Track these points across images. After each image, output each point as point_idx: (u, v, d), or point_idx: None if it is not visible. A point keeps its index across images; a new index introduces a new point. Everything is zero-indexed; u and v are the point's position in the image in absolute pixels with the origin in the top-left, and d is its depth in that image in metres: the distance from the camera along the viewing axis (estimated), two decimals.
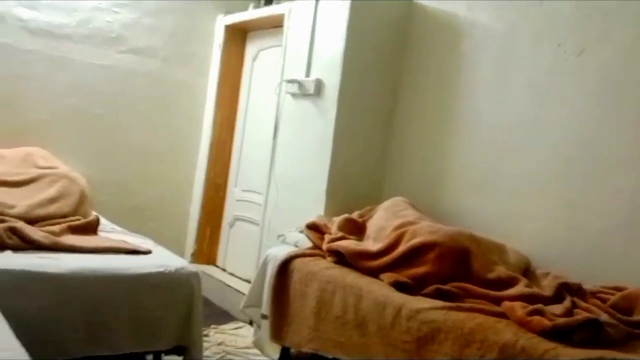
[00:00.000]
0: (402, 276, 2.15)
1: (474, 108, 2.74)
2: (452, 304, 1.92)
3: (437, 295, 2.01)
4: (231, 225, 4.00)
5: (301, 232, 2.75)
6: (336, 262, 2.42)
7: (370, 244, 2.45)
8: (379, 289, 2.13)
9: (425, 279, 2.11)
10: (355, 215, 2.76)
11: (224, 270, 3.96)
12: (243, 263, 3.72)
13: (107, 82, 3.60)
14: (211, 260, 4.05)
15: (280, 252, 2.61)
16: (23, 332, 1.47)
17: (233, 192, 4.01)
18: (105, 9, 3.54)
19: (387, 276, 2.18)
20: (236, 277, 3.78)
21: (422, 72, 3.01)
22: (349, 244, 2.42)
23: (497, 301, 1.97)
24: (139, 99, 3.74)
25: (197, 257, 3.99)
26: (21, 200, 2.53)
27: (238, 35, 3.98)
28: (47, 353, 1.94)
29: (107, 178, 3.53)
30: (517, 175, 2.53)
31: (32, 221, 2.42)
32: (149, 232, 2.89)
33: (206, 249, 4.05)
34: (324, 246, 2.49)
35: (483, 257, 2.20)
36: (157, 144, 3.85)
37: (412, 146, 3.02)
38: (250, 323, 3.22)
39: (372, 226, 2.62)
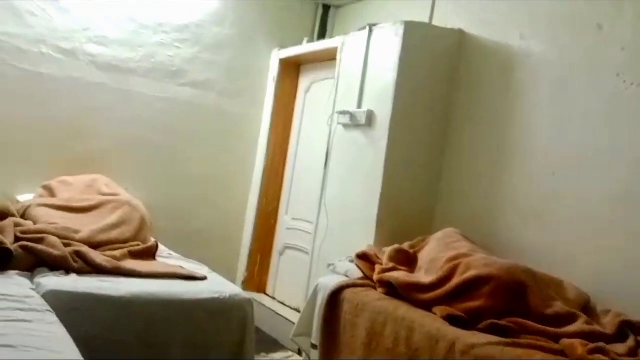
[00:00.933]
0: (456, 310, 2.11)
1: (529, 138, 2.70)
2: (508, 340, 1.87)
3: (492, 330, 1.96)
4: (281, 253, 4.04)
5: (351, 261, 2.75)
6: (387, 294, 2.40)
7: (422, 276, 2.42)
8: (431, 323, 2.10)
9: (480, 314, 2.06)
10: (406, 245, 2.74)
11: (273, 298, 3.99)
12: (292, 291, 3.74)
13: (167, 114, 3.78)
14: (261, 288, 4.09)
15: (330, 281, 2.61)
16: (85, 351, 1.54)
17: (284, 220, 4.07)
18: (168, 44, 3.74)
19: (440, 309, 2.15)
20: (286, 305, 3.80)
21: (474, 102, 3.00)
22: (401, 275, 2.40)
23: (556, 338, 1.90)
24: (197, 130, 3.89)
25: (247, 285, 4.05)
26: (85, 226, 2.66)
27: (292, 69, 4.10)
28: None
29: (165, 205, 3.66)
30: (575, 207, 2.45)
31: (95, 246, 2.54)
32: (203, 258, 2.97)
33: (257, 276, 4.10)
34: (375, 277, 2.48)
35: (540, 292, 2.14)
36: (213, 173, 3.98)
37: (465, 177, 2.99)
38: (299, 352, 3.22)
39: (423, 257, 2.59)
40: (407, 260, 2.62)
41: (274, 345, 3.41)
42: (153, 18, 3.67)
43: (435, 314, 2.16)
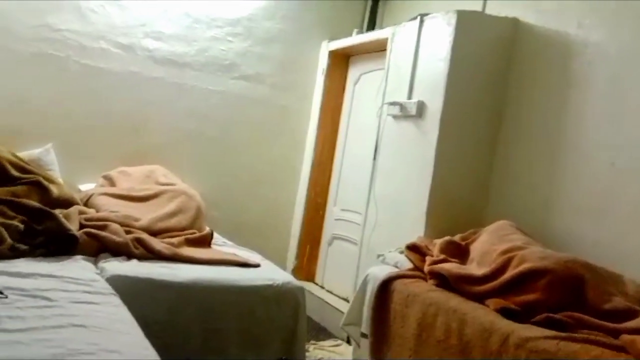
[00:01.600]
0: (510, 302, 2.08)
1: (587, 129, 2.62)
2: (564, 334, 1.83)
3: (547, 324, 1.93)
4: (330, 244, 4.08)
5: (401, 252, 2.76)
6: (437, 285, 2.39)
7: (475, 268, 2.40)
8: (484, 315, 2.08)
9: (535, 307, 2.02)
10: (457, 238, 2.71)
11: (322, 287, 4.04)
12: (341, 281, 3.78)
13: (220, 107, 3.87)
14: (310, 277, 4.15)
15: (380, 272, 2.62)
16: (146, 334, 1.60)
17: (332, 211, 4.10)
18: (221, 39, 3.82)
19: (493, 302, 2.12)
20: (334, 294, 3.84)
21: (529, 92, 2.93)
22: (452, 267, 2.39)
23: (615, 334, 1.85)
24: (248, 122, 3.98)
25: (297, 274, 4.11)
26: (145, 214, 2.78)
27: (341, 60, 4.11)
28: (165, 356, 2.09)
29: (217, 195, 3.76)
30: (635, 201, 2.36)
31: (154, 233, 2.65)
32: (253, 248, 3.04)
33: (306, 265, 4.16)
34: (426, 268, 2.48)
35: (598, 287, 2.08)
36: (263, 164, 4.05)
37: (518, 169, 2.93)
38: (348, 341, 3.26)
39: (475, 250, 2.56)
40: (459, 252, 2.60)
41: (323, 333, 3.46)
42: (207, 13, 3.76)
43: (488, 306, 2.13)
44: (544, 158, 2.79)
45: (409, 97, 3.11)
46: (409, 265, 2.62)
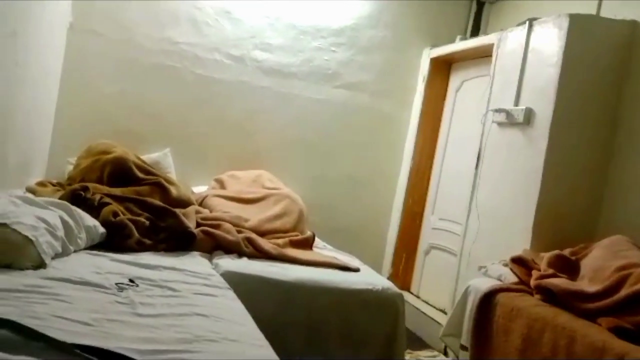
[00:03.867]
0: (624, 322, 1.97)
1: None
2: None
3: None
4: (426, 253, 4.05)
5: (505, 265, 2.69)
6: (544, 300, 2.31)
7: (586, 284, 2.29)
8: (596, 334, 1.98)
9: None
10: (566, 252, 2.60)
11: (417, 297, 4.02)
12: (438, 292, 3.73)
13: (321, 115, 4.00)
14: (405, 286, 4.14)
15: (482, 284, 2.58)
16: None
17: (430, 220, 4.06)
18: (325, 49, 3.95)
19: (607, 321, 2.02)
20: (430, 305, 3.80)
21: None
22: (561, 282, 2.30)
23: None
24: (348, 129, 4.07)
25: (392, 282, 4.08)
26: (253, 215, 2.94)
27: (442, 67, 4.08)
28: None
29: (316, 200, 3.86)
30: None
31: (261, 234, 2.80)
32: (349, 253, 3.10)
33: (401, 274, 4.15)
34: (533, 282, 2.40)
35: None
36: (362, 171, 4.12)
37: (636, 180, 2.74)
38: (445, 352, 3.22)
39: (587, 265, 2.44)
40: (568, 267, 2.49)
41: (418, 343, 3.43)
42: (312, 24, 3.91)
43: (599, 324, 2.04)
44: None
45: (516, 104, 3.02)
46: (514, 278, 2.55)
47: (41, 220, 1.96)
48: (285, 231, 2.90)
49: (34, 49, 2.77)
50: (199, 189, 3.53)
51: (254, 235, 2.64)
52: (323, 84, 3.97)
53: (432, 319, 3.52)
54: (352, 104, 4.04)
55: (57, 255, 1.97)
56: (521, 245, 2.78)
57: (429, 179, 4.13)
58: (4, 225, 1.81)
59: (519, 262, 2.58)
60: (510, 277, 2.57)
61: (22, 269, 1.77)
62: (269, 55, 3.84)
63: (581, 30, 2.77)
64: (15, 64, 2.54)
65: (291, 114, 3.93)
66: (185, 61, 3.70)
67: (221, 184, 3.45)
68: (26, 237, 1.82)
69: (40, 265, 1.83)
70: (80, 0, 3.39)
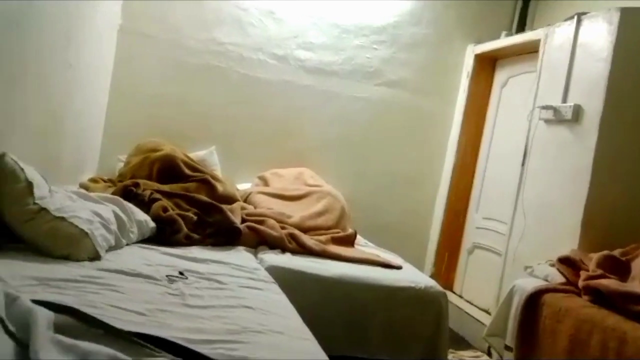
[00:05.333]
0: None
1: None
2: None
3: None
4: (470, 252, 3.99)
5: (552, 265, 2.63)
6: (592, 301, 2.25)
7: (637, 286, 2.22)
8: None
9: None
10: (616, 252, 2.52)
11: (460, 296, 3.97)
12: (481, 292, 3.68)
13: (363, 113, 4.00)
14: (448, 286, 4.09)
15: (528, 284, 2.53)
16: None
17: (473, 218, 4.01)
18: (367, 47, 3.96)
19: None
20: (474, 305, 3.75)
21: None
22: (611, 283, 2.23)
23: None
24: (390, 127, 4.05)
25: (435, 281, 4.08)
26: (296, 212, 2.99)
27: (487, 64, 4.02)
28: None
29: (358, 198, 3.87)
30: None
31: (303, 230, 2.84)
32: (391, 251, 3.09)
33: (444, 273, 4.11)
34: (581, 283, 2.34)
35: None
36: (404, 168, 4.10)
37: None
38: (489, 353, 3.17)
39: (638, 266, 2.36)
40: (618, 268, 2.42)
41: (461, 343, 3.40)
42: (355, 22, 3.92)
43: None
44: None
45: (564, 101, 2.95)
46: (561, 279, 2.50)
47: (96, 214, 2.05)
48: (328, 228, 2.93)
49: (86, 51, 2.89)
50: (243, 186, 3.59)
51: (297, 232, 2.68)
52: (365, 82, 3.97)
53: (476, 319, 3.47)
54: (393, 101, 4.03)
55: (110, 248, 2.05)
56: (569, 245, 2.72)
57: (472, 176, 4.07)
58: (62, 218, 1.91)
59: (566, 262, 2.52)
60: (557, 278, 2.52)
61: (78, 260, 1.86)
62: (312, 55, 3.88)
63: (633, 24, 2.69)
64: (69, 66, 2.66)
65: (333, 112, 3.95)
66: (230, 61, 3.78)
67: (264, 182, 3.51)
68: (82, 230, 1.91)
69: (96, 257, 1.92)
70: (129, 1, 3.51)
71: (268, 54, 3.82)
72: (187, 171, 2.93)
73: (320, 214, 2.99)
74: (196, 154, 3.48)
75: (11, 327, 1.07)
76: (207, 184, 2.88)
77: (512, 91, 3.80)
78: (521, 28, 3.96)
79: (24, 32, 2.05)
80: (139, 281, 1.76)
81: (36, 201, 1.89)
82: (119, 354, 1.06)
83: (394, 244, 3.55)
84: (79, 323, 1.23)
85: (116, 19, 3.48)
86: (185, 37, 3.68)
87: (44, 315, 1.13)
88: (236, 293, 1.80)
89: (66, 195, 2.13)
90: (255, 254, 2.52)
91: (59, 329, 1.13)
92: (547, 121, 3.07)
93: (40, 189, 1.93)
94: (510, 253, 3.21)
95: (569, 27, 3.02)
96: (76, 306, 1.29)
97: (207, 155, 3.57)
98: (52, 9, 2.27)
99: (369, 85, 3.98)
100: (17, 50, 2.02)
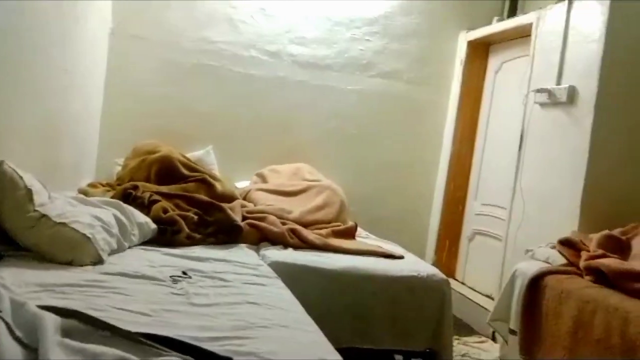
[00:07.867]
0: None
1: None
2: None
3: None
4: (470, 239, 4.01)
5: (552, 247, 2.65)
6: (594, 281, 2.27)
7: (638, 264, 2.23)
8: None
9: None
10: (616, 232, 2.54)
11: (463, 283, 3.99)
12: (483, 278, 3.70)
13: (358, 105, 4.00)
14: (450, 273, 4.11)
15: (530, 267, 2.55)
16: None
17: (472, 205, 4.02)
18: (359, 39, 3.95)
19: None
20: (476, 291, 3.77)
21: None
22: (612, 262, 2.25)
23: None
24: (385, 118, 4.06)
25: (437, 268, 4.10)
26: (295, 207, 2.99)
27: (480, 50, 4.02)
28: None
29: (356, 190, 3.86)
30: None
31: (304, 225, 2.85)
32: (392, 241, 3.10)
33: (445, 261, 4.13)
34: (582, 264, 2.36)
35: None
36: (401, 159, 4.11)
37: None
38: (493, 338, 3.20)
39: (639, 244, 2.38)
40: (619, 247, 2.44)
41: (465, 329, 3.42)
42: (346, 15, 3.91)
43: None
44: None
45: (558, 83, 2.96)
46: (562, 260, 2.51)
47: (97, 218, 2.05)
48: (328, 222, 2.94)
49: (80, 56, 2.89)
50: (242, 184, 3.60)
51: (298, 227, 2.69)
52: (358, 74, 3.97)
53: (479, 304, 3.49)
54: (388, 92, 4.03)
55: (113, 252, 2.06)
56: (568, 227, 2.74)
57: (470, 164, 4.08)
58: (64, 224, 1.91)
59: (567, 244, 2.54)
60: (558, 260, 2.54)
61: (81, 265, 1.86)
62: (304, 49, 3.87)
63: (624, 4, 2.69)
64: (65, 71, 2.65)
65: (328, 106, 3.95)
66: (223, 59, 3.77)
67: (262, 178, 3.51)
68: (84, 235, 1.91)
69: (98, 261, 1.92)
70: (119, 3, 3.49)
71: (261, 51, 3.82)
72: (185, 171, 2.94)
73: (319, 208, 3.00)
74: (193, 154, 3.48)
75: (18, 333, 1.08)
76: (205, 183, 2.88)
77: (506, 76, 3.81)
78: (512, 12, 3.95)
79: (19, 38, 2.04)
80: (143, 283, 1.77)
81: (37, 208, 1.89)
82: (127, 355, 1.07)
83: (395, 235, 3.55)
84: (85, 326, 1.24)
85: (107, 23, 3.47)
86: (177, 38, 3.67)
87: (51, 320, 1.14)
88: (240, 290, 1.82)
89: (66, 201, 2.14)
90: (257, 251, 2.54)
91: (66, 333, 1.14)
92: (542, 104, 3.07)
93: (40, 196, 1.94)
94: (511, 238, 3.23)
95: (560, 9, 3.03)
96: (82, 310, 1.29)
97: (204, 155, 3.57)
98: (46, 13, 2.27)
99: (363, 77, 3.98)
100: (12, 56, 2.01)
